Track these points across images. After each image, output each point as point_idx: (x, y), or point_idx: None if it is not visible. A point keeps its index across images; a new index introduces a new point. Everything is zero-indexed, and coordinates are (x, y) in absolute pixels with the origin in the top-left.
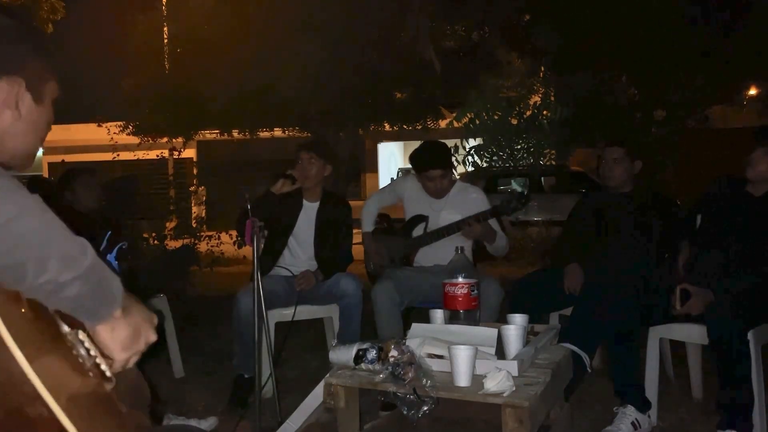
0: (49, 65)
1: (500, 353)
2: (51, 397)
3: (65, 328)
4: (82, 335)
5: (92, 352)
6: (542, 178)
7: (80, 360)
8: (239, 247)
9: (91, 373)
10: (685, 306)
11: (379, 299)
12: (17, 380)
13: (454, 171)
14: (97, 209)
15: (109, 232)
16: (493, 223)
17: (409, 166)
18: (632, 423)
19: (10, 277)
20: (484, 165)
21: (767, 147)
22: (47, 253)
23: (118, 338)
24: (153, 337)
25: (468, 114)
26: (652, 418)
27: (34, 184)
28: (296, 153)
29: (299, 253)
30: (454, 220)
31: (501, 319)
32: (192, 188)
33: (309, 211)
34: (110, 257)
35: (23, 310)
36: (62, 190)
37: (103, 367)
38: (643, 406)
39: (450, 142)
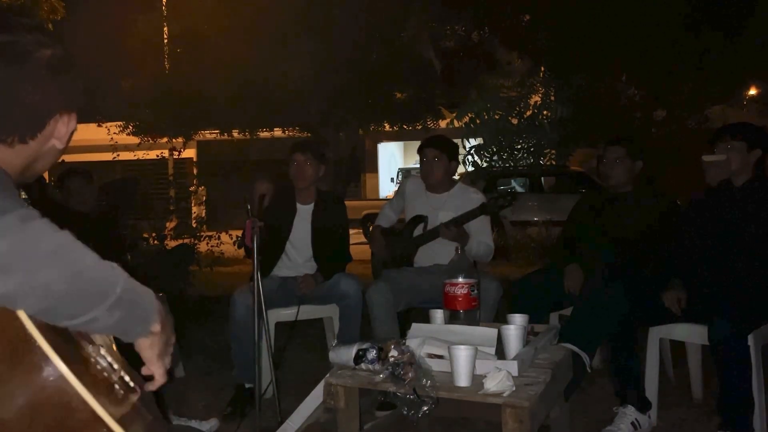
0: (85, 101)
1: (500, 353)
2: (109, 417)
3: (88, 347)
4: (102, 350)
5: (115, 366)
6: (542, 178)
7: (106, 374)
8: (239, 247)
9: (117, 386)
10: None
11: (374, 301)
12: (75, 407)
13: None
14: (90, 210)
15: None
16: (484, 223)
17: (409, 166)
18: (632, 423)
19: (47, 319)
20: (484, 165)
21: (727, 141)
22: (77, 297)
23: (156, 350)
24: (173, 338)
25: (468, 114)
26: (652, 418)
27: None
28: (290, 154)
29: (297, 257)
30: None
31: (499, 318)
32: (192, 188)
33: (303, 214)
34: None
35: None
36: (56, 189)
37: (127, 378)
38: (643, 406)
39: None
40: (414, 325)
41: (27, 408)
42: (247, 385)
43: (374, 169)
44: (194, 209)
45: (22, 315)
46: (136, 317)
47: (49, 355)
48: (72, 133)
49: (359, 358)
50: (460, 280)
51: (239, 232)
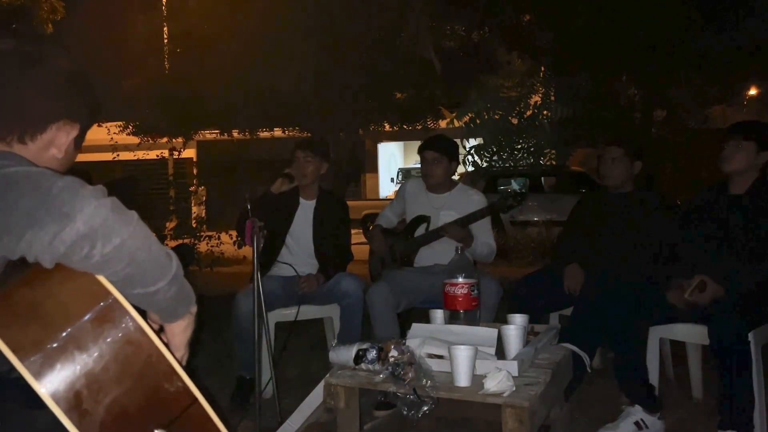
0: (95, 119)
1: (500, 353)
2: (182, 371)
3: None
4: None
5: None
6: (542, 178)
7: None
8: (239, 247)
9: None
10: (695, 295)
11: (374, 301)
12: (155, 361)
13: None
14: None
15: None
16: (485, 224)
17: (409, 166)
18: (636, 423)
19: (123, 287)
20: (484, 165)
21: (738, 140)
22: (151, 266)
23: (187, 334)
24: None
25: (468, 114)
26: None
27: None
28: (292, 152)
29: (297, 251)
30: (452, 220)
31: (499, 318)
32: (192, 188)
33: (306, 209)
34: None
35: None
36: None
37: None
38: (653, 406)
39: None
40: (414, 325)
41: (115, 362)
42: (247, 377)
43: (374, 169)
44: (194, 209)
45: (101, 278)
46: (185, 295)
47: (129, 311)
48: (71, 146)
49: (359, 358)
50: (460, 280)
51: None
